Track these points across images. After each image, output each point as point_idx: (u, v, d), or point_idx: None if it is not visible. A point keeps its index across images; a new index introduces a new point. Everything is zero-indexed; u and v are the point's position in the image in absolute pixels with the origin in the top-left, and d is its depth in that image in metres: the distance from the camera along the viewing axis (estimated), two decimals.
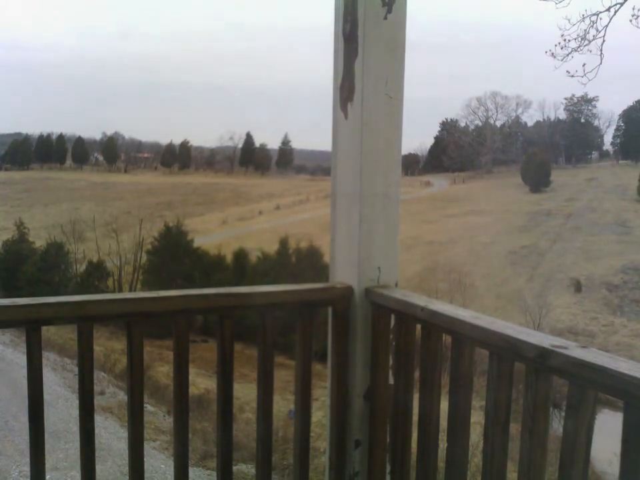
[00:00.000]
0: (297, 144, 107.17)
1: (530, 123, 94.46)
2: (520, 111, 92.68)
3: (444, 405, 1.91)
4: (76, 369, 3.05)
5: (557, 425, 2.12)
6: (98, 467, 1.98)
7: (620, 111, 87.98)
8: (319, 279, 16.76)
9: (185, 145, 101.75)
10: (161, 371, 17.59)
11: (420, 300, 2.04)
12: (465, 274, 35.94)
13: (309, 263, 28.55)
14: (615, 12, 8.67)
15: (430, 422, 1.96)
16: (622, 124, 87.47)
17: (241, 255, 31.87)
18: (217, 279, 28.14)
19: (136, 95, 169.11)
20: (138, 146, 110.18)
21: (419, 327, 2.03)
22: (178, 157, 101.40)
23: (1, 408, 9.77)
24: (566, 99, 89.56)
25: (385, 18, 2.12)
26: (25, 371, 1.87)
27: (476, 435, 2.06)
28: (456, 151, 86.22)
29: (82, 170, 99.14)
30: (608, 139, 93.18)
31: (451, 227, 52.44)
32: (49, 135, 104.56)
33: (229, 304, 2.13)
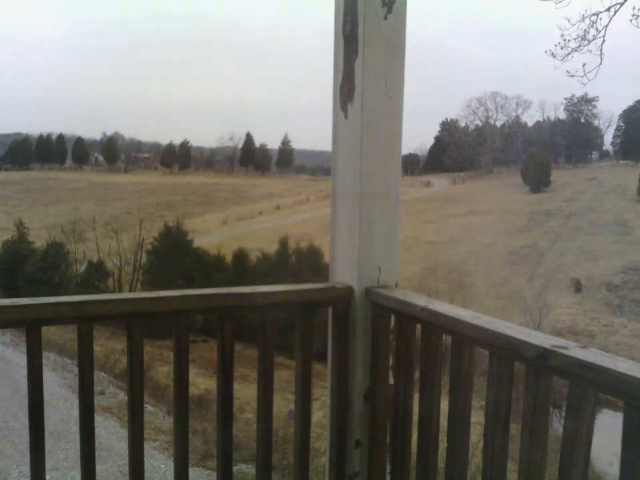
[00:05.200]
0: (296, 144, 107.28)
1: (530, 123, 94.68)
2: (520, 111, 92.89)
3: (444, 405, 1.91)
4: (76, 369, 3.05)
5: (557, 425, 2.12)
6: (98, 467, 1.98)
7: (620, 111, 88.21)
8: (319, 279, 16.75)
9: (185, 145, 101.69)
10: (161, 371, 17.57)
11: (420, 300, 2.03)
12: (465, 274, 35.94)
13: (308, 263, 28.53)
14: (615, 12, 8.66)
15: (430, 422, 1.96)
16: (622, 124, 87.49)
17: (240, 255, 31.83)
18: (217, 279, 28.11)
19: (135, 93, 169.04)
20: (138, 146, 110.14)
21: (419, 326, 2.03)
22: (178, 157, 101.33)
23: (1, 408, 9.78)
24: (566, 99, 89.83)
25: (385, 18, 2.12)
26: (25, 371, 1.87)
27: (476, 435, 2.06)
28: (456, 151, 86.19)
29: (82, 170, 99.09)
30: (608, 139, 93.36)
31: (451, 226, 52.45)
32: (48, 135, 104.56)
33: (229, 304, 2.13)
